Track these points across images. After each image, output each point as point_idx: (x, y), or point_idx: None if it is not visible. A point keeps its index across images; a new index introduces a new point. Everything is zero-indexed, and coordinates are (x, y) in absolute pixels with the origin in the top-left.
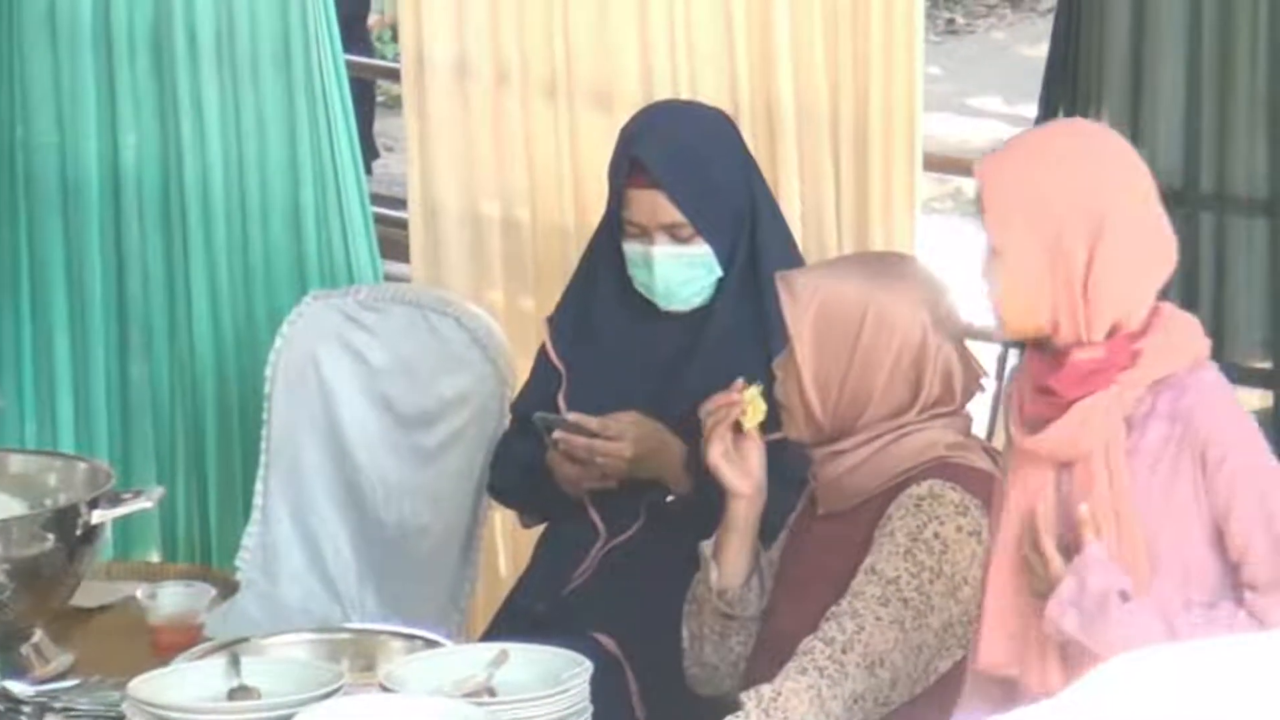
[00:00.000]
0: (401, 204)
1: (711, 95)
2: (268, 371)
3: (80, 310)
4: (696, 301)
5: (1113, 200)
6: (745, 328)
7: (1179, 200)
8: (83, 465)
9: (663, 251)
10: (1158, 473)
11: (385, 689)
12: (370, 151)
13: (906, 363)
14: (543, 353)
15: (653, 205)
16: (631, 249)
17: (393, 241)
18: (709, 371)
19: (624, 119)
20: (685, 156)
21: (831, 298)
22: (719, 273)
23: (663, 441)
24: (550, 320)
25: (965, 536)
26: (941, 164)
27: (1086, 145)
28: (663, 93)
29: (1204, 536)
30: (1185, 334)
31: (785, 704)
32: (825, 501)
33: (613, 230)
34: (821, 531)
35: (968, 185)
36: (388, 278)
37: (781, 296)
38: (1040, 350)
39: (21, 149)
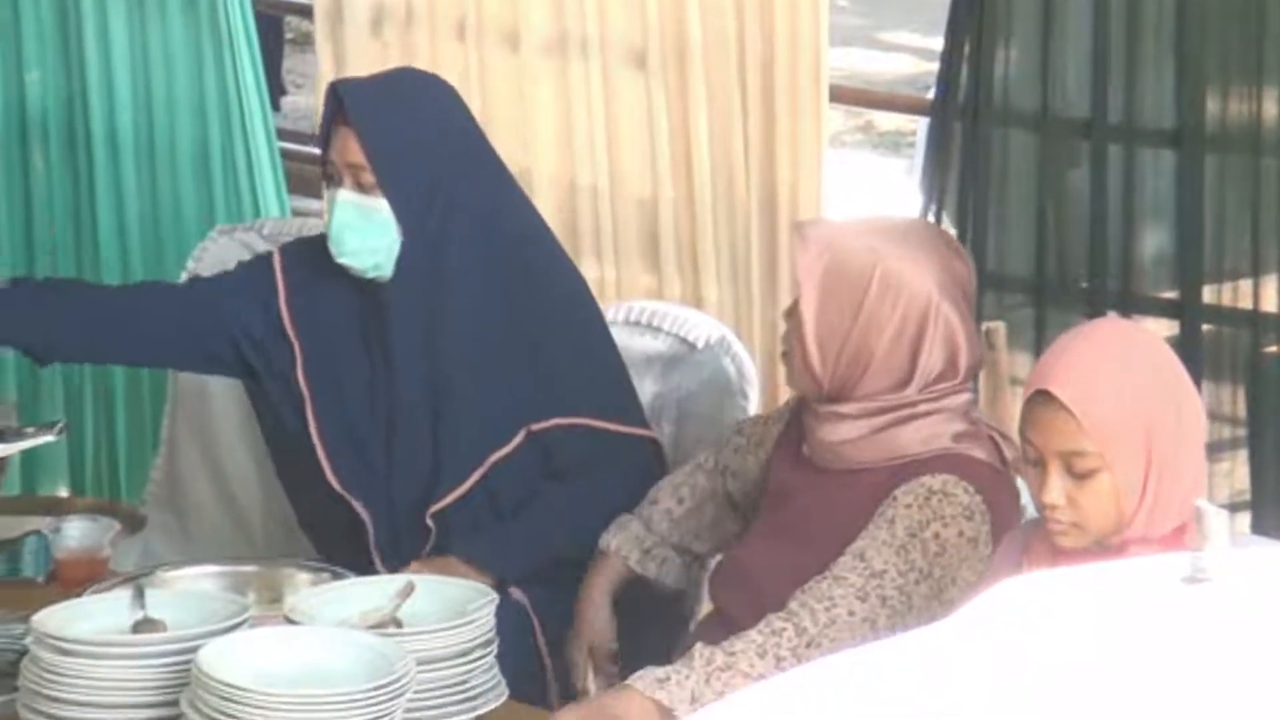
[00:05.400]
0: (310, 139)
1: (621, 32)
2: None
3: None
4: (368, 262)
5: (1185, 395)
6: (489, 309)
7: (1087, 132)
8: None
9: (345, 195)
10: None
11: (291, 621)
12: (278, 89)
13: (911, 328)
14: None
15: (344, 142)
16: (327, 195)
17: (301, 178)
18: (456, 347)
19: (531, 59)
20: (383, 99)
21: (841, 253)
22: (395, 236)
23: (443, 568)
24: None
25: (964, 542)
26: (852, 97)
27: (1151, 346)
28: (572, 32)
29: None
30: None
31: (730, 681)
32: (814, 452)
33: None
34: (810, 481)
35: (878, 118)
36: (296, 214)
37: (794, 246)
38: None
39: None
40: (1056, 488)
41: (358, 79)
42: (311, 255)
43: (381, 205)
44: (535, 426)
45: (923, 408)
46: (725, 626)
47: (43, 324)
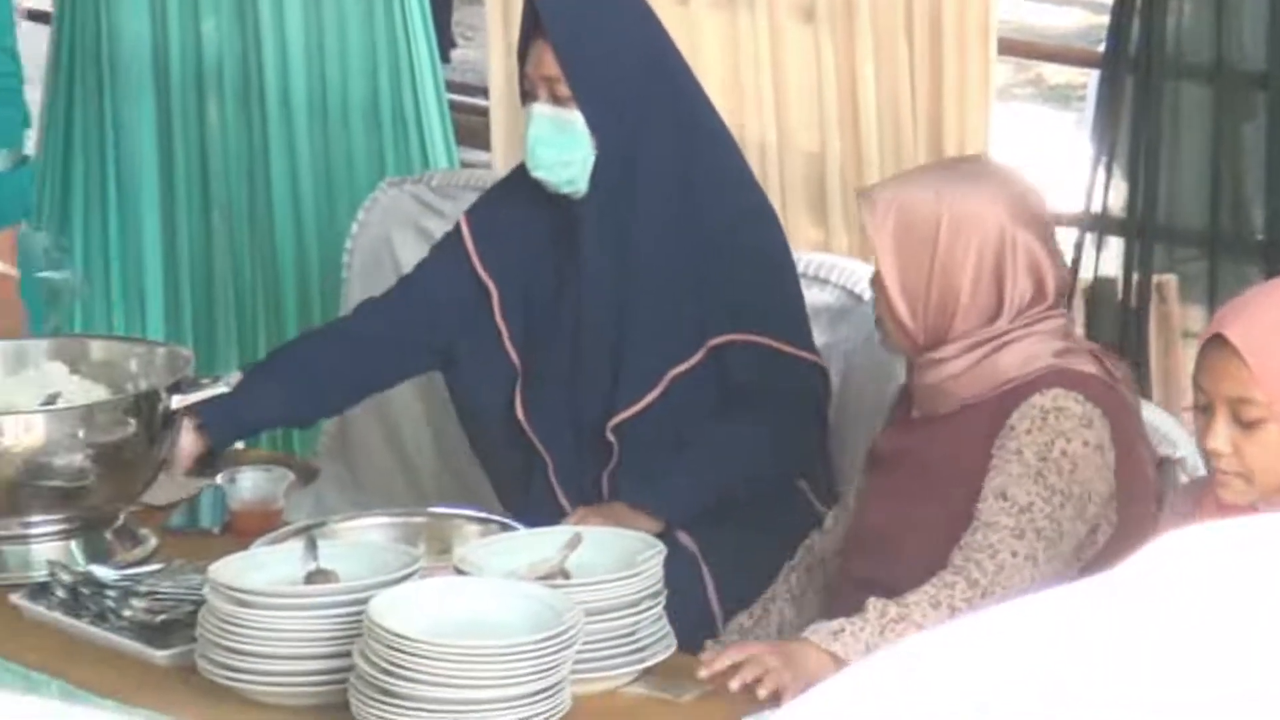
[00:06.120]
0: (479, 91)
1: None
2: (345, 257)
3: (169, 197)
4: (562, 176)
5: None
6: (679, 223)
7: (1264, 83)
8: (162, 350)
9: (539, 109)
10: None
11: (460, 572)
12: (447, 42)
13: (989, 262)
14: (458, 235)
15: (540, 55)
16: (525, 113)
17: (470, 129)
18: (644, 261)
19: (700, 12)
20: (577, 10)
21: (906, 207)
22: (589, 150)
23: (611, 514)
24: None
25: (1091, 451)
26: (1021, 49)
27: None
28: None
29: None
30: None
31: (904, 632)
32: (923, 405)
33: None
34: (919, 436)
35: (1047, 71)
36: (465, 165)
37: (862, 212)
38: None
39: (107, 31)
40: (1222, 434)
41: None
42: (498, 198)
43: (576, 117)
44: (714, 341)
45: (1017, 334)
46: (867, 591)
47: (291, 399)
